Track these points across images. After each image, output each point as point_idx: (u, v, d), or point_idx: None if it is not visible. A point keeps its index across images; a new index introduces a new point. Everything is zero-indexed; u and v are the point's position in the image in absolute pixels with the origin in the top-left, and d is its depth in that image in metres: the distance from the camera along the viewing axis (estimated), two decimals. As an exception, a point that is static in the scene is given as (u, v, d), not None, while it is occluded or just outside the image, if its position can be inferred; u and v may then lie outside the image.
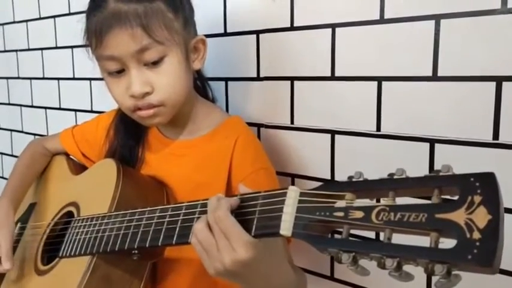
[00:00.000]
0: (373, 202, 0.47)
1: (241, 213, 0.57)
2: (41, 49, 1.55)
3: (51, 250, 0.85)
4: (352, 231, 0.47)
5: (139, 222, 0.70)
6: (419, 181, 0.45)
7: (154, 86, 0.76)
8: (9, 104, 1.75)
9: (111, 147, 0.91)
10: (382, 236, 0.45)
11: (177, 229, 0.64)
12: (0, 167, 1.83)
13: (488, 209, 0.40)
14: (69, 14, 1.40)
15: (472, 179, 0.41)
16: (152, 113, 0.77)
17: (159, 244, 0.66)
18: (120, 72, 0.76)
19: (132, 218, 0.71)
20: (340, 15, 0.82)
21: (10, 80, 1.73)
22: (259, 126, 0.96)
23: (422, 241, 0.42)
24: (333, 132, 0.86)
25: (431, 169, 0.74)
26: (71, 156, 1.03)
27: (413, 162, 0.76)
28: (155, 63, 0.75)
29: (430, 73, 0.73)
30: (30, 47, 1.59)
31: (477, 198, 0.41)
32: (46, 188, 1.00)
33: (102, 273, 0.73)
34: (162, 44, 0.74)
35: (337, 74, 0.84)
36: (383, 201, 0.46)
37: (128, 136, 0.90)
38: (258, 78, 0.96)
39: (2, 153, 1.82)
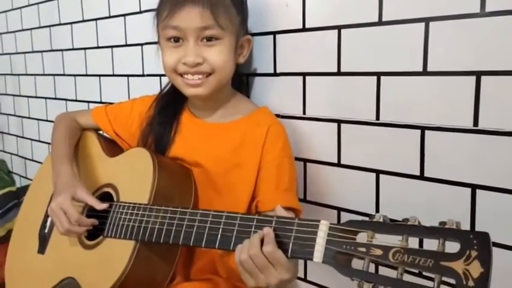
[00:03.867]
0: (390, 243, 0.58)
1: (278, 235, 0.67)
2: (84, 49, 1.69)
3: (91, 226, 0.93)
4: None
5: (182, 222, 0.79)
6: (429, 231, 0.56)
7: (206, 59, 0.90)
8: (55, 98, 1.91)
9: (149, 124, 1.03)
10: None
11: (219, 236, 0.73)
12: (48, 155, 2.01)
13: (481, 263, 0.52)
14: (109, 17, 1.54)
15: (471, 236, 0.53)
16: (199, 81, 0.91)
17: (202, 246, 0.76)
18: (177, 41, 0.91)
19: (174, 216, 0.80)
20: (344, 18, 0.93)
21: (56, 77, 1.89)
22: (275, 116, 1.07)
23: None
24: (339, 121, 0.97)
25: (422, 153, 0.85)
26: (102, 132, 1.12)
27: (407, 146, 0.87)
28: (211, 40, 0.90)
29: (421, 69, 0.83)
30: (75, 47, 1.74)
31: (473, 253, 0.52)
32: (81, 164, 1.05)
33: (145, 255, 0.85)
34: (222, 28, 0.89)
35: (342, 70, 0.95)
36: (398, 242, 0.57)
37: (166, 114, 1.01)
38: (274, 74, 1.07)
39: (49, 143, 2.00)
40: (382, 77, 0.89)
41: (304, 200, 1.06)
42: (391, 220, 0.61)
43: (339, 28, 0.94)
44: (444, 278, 0.54)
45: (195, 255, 0.95)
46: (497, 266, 0.75)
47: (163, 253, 0.88)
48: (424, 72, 0.83)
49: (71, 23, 1.74)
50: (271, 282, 0.67)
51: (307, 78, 1.01)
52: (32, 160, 2.16)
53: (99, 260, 0.90)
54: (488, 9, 0.75)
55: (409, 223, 0.58)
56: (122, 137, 1.09)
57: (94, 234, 0.93)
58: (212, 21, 0.88)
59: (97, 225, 0.92)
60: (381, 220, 0.60)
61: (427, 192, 0.85)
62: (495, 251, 0.76)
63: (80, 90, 1.76)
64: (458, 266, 0.52)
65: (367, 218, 0.62)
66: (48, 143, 1.99)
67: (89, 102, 1.71)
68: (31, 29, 2.00)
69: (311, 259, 0.64)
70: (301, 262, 1.08)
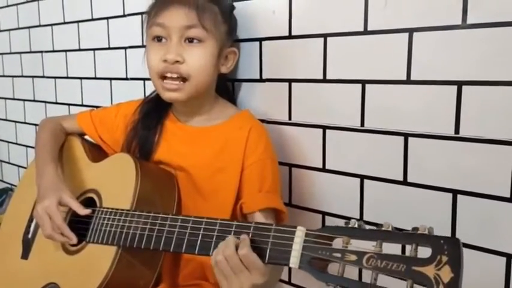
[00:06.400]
0: (364, 248, 0.59)
1: (255, 241, 0.69)
2: (65, 51, 1.67)
3: (74, 230, 0.91)
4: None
5: (163, 228, 0.79)
6: (402, 236, 0.58)
7: (185, 59, 0.91)
8: (34, 100, 1.88)
9: (133, 128, 1.03)
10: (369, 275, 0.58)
11: (199, 241, 0.75)
12: (25, 158, 1.98)
13: (452, 268, 0.53)
14: (92, 19, 1.53)
15: (442, 241, 0.54)
16: (176, 86, 0.92)
17: (182, 251, 0.77)
18: (161, 40, 0.93)
19: (155, 221, 0.81)
20: (330, 26, 0.95)
21: (35, 79, 1.86)
22: (261, 121, 1.08)
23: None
24: (325, 127, 0.99)
25: (405, 159, 0.87)
26: (86, 137, 1.12)
27: (390, 152, 0.89)
28: (193, 41, 0.92)
29: (404, 77, 0.85)
30: (55, 49, 1.72)
31: (444, 258, 0.54)
32: (65, 169, 1.04)
33: (127, 260, 0.85)
34: (206, 30, 0.91)
35: (328, 77, 0.97)
36: (372, 247, 0.59)
37: (150, 118, 1.02)
38: (260, 80, 1.08)
39: (27, 146, 1.97)
40: (366, 85, 0.91)
41: (289, 204, 1.07)
42: (369, 223, 0.62)
43: (324, 36, 0.96)
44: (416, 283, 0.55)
45: (184, 260, 0.95)
46: (478, 269, 0.78)
47: (146, 258, 0.88)
48: (408, 81, 0.85)
49: (51, 25, 1.72)
50: (245, 285, 0.68)
51: (293, 84, 1.03)
52: (9, 163, 2.12)
53: (81, 265, 0.90)
54: (469, 21, 0.78)
55: (383, 229, 0.59)
56: (106, 142, 1.09)
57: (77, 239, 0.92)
58: (196, 21, 0.90)
59: (80, 231, 0.92)
60: (356, 226, 0.61)
61: (410, 197, 0.88)
62: (475, 254, 0.80)
63: (60, 93, 1.74)
64: (429, 270, 0.54)
65: (343, 223, 0.64)
66: (27, 146, 1.96)
67: (69, 105, 1.69)
68: (9, 30, 1.96)
69: (287, 265, 0.65)
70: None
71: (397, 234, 0.58)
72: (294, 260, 0.64)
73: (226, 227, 0.73)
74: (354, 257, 0.59)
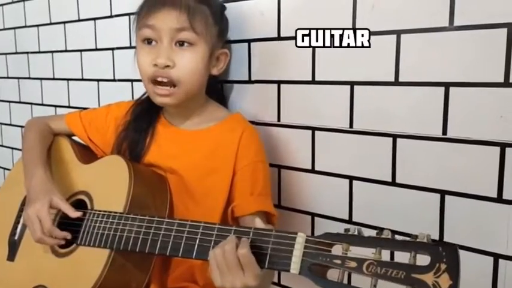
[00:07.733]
0: (364, 255, 0.60)
1: (255, 246, 0.68)
2: (52, 52, 1.66)
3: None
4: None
5: (158, 231, 0.79)
6: (401, 244, 0.59)
7: (176, 64, 0.90)
8: (20, 102, 1.86)
9: (124, 129, 1.02)
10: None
11: (196, 246, 0.74)
12: (11, 160, 1.95)
13: (450, 275, 0.55)
14: (79, 20, 1.52)
15: (440, 249, 0.56)
16: (167, 92, 0.91)
17: (179, 256, 0.76)
18: (151, 43, 0.92)
19: (151, 225, 0.80)
20: (318, 27, 0.95)
21: (21, 80, 1.84)
22: (250, 123, 1.08)
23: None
24: (314, 129, 0.99)
25: (394, 160, 0.88)
26: (75, 138, 1.10)
27: (379, 153, 0.90)
28: (183, 44, 0.91)
29: (392, 79, 0.86)
30: (41, 50, 1.70)
31: (443, 266, 0.55)
32: (54, 170, 1.02)
33: (119, 264, 0.84)
34: (197, 34, 0.91)
35: (317, 78, 0.97)
36: (372, 255, 0.60)
37: (142, 120, 1.02)
38: (249, 81, 1.08)
39: (13, 148, 1.94)
40: (355, 86, 0.92)
41: (278, 205, 1.07)
42: (358, 223, 0.63)
43: (313, 38, 0.96)
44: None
45: (173, 262, 0.95)
46: (465, 269, 0.79)
47: (138, 261, 0.87)
48: (396, 83, 0.86)
49: (37, 26, 1.70)
50: (236, 285, 0.68)
51: (282, 86, 1.03)
52: (-6, 165, 2.09)
53: (72, 268, 0.89)
54: (456, 23, 0.79)
55: (382, 236, 0.60)
56: (96, 143, 1.08)
57: (67, 242, 0.91)
58: (187, 24, 0.90)
59: (70, 233, 0.91)
60: (356, 233, 0.62)
61: (399, 198, 0.88)
62: (463, 254, 0.80)
63: (46, 95, 1.72)
64: (428, 278, 0.55)
65: (342, 229, 0.64)
66: (12, 148, 1.94)
67: (56, 106, 1.68)
68: (-6, 30, 1.94)
69: (288, 270, 0.65)
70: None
71: (396, 242, 0.59)
72: (295, 266, 0.65)
73: (224, 232, 0.73)
74: (354, 264, 0.60)
